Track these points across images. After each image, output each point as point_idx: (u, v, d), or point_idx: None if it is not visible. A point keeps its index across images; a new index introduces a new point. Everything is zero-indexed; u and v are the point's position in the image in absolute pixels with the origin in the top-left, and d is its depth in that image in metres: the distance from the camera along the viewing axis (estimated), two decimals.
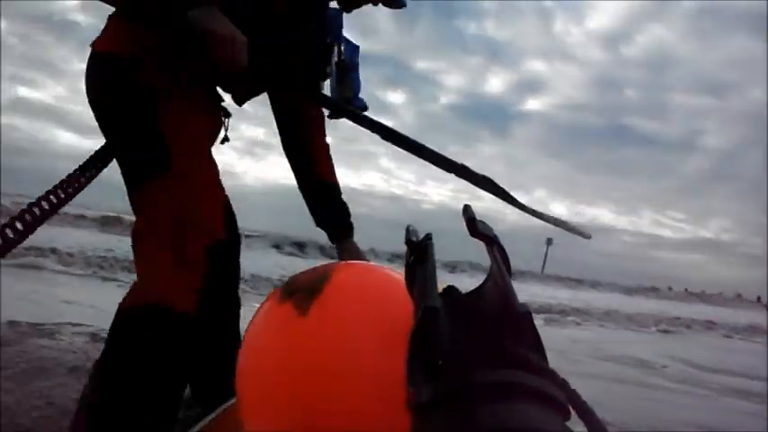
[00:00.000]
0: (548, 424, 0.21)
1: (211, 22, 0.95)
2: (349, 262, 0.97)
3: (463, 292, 0.33)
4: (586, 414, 0.23)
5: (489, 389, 0.23)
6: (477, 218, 0.34)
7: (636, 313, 8.29)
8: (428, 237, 0.35)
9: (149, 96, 0.99)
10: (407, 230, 0.37)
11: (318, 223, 1.33)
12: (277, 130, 1.34)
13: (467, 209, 0.34)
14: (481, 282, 0.35)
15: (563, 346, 4.27)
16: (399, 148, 1.27)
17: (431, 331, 0.26)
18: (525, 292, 9.58)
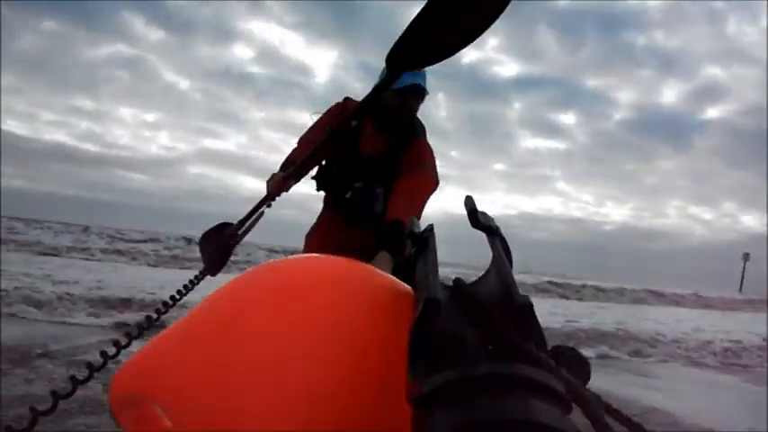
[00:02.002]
0: (546, 416, 0.21)
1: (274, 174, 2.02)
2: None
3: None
4: (589, 408, 0.23)
5: (489, 381, 0.23)
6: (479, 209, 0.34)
7: None
8: (430, 228, 0.35)
9: None
10: (411, 222, 0.37)
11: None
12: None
13: (468, 200, 0.33)
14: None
15: None
16: None
17: (432, 323, 0.26)
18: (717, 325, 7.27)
